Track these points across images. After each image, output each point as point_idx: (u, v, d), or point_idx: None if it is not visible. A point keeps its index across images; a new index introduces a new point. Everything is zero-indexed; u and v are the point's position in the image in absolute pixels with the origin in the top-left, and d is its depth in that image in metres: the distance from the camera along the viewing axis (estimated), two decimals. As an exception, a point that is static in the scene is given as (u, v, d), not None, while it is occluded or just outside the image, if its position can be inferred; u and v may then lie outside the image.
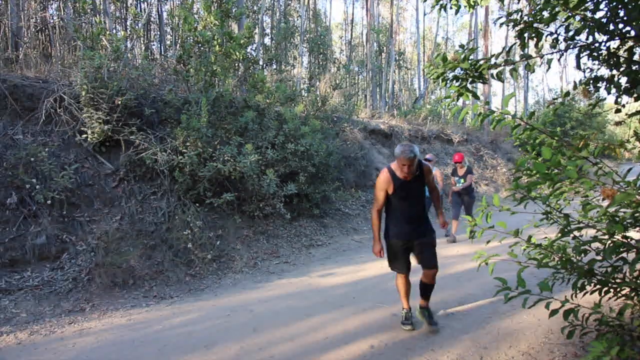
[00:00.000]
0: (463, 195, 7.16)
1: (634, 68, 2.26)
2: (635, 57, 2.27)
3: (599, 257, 2.19)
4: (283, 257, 6.15)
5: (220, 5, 7.14)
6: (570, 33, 2.32)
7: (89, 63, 5.42)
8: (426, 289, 3.38)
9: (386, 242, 3.34)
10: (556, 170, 1.76)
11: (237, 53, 6.85)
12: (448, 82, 2.42)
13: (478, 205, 2.39)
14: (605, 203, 1.69)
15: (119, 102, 5.53)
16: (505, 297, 2.10)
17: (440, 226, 3.49)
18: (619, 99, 2.43)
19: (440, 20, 24.39)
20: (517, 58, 2.44)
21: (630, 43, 2.25)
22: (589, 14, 2.23)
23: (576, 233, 2.20)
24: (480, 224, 2.26)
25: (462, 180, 6.98)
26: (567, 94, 2.64)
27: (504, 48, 2.66)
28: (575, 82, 2.65)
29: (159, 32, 12.48)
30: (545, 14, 2.25)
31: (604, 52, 2.32)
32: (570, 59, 65.20)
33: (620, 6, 2.14)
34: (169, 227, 5.57)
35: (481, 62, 2.34)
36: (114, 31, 9.77)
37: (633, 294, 2.13)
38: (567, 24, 2.33)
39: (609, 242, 2.08)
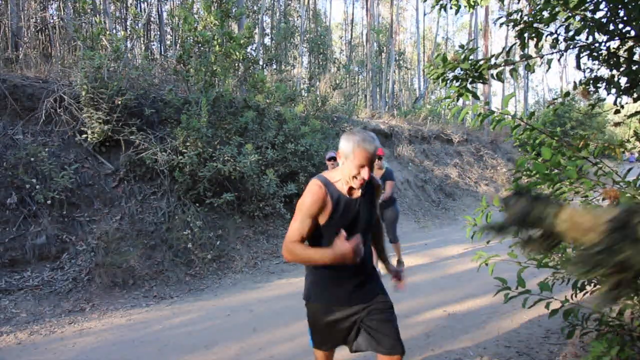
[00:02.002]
0: (382, 208, 5.26)
1: (633, 68, 2.26)
2: (635, 57, 2.27)
3: (599, 257, 2.18)
4: (283, 257, 6.15)
5: (220, 5, 7.14)
6: (570, 33, 2.32)
7: (89, 63, 5.42)
8: None
9: (307, 307, 2.00)
10: (556, 171, 1.76)
11: (237, 53, 6.85)
12: (448, 82, 2.41)
13: (478, 207, 2.38)
14: (606, 203, 1.68)
15: (119, 102, 5.53)
16: (505, 297, 2.10)
17: (393, 278, 2.08)
18: (619, 99, 2.43)
19: (440, 20, 24.41)
20: (517, 58, 2.44)
21: (630, 43, 2.25)
22: (589, 14, 2.22)
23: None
24: (480, 224, 2.26)
25: None
26: (567, 94, 2.64)
27: (504, 48, 2.66)
28: (575, 82, 2.65)
29: (159, 32, 12.48)
30: (545, 14, 2.25)
31: (604, 52, 2.32)
32: (570, 59, 65.21)
33: (620, 6, 2.14)
34: (169, 227, 5.57)
35: (481, 62, 2.34)
36: (114, 31, 9.77)
37: (633, 294, 2.13)
38: (567, 24, 2.33)
39: (609, 242, 2.07)
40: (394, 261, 5.34)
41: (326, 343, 1.96)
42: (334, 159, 5.26)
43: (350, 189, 1.79)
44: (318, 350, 2.00)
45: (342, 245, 1.63)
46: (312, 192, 1.76)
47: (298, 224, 1.78)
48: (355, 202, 1.81)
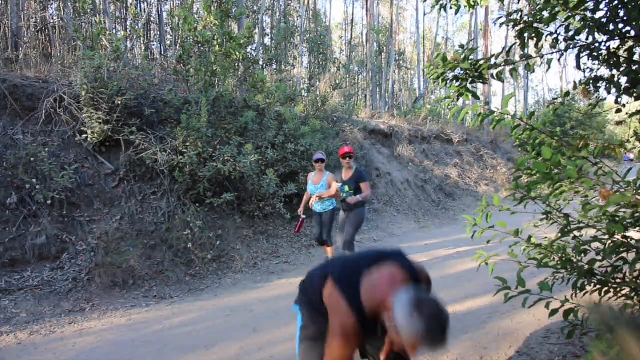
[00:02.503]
0: (347, 210, 5.01)
1: (634, 68, 2.26)
2: (635, 57, 2.27)
3: (599, 257, 2.19)
4: (283, 257, 6.15)
5: (220, 5, 7.14)
6: (570, 33, 2.32)
7: (89, 63, 5.42)
8: None
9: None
10: (556, 170, 1.76)
11: (237, 53, 6.85)
12: (448, 82, 2.41)
13: (478, 207, 2.37)
14: (602, 201, 1.69)
15: (119, 102, 5.53)
16: (505, 296, 2.10)
17: None
18: (619, 99, 2.43)
19: (440, 20, 24.40)
20: (517, 58, 2.44)
21: (630, 43, 2.24)
22: (589, 14, 2.22)
23: (576, 233, 2.20)
24: (480, 224, 2.26)
25: (346, 188, 4.88)
26: (567, 94, 2.64)
27: (504, 48, 2.66)
28: (575, 82, 2.65)
29: (159, 32, 12.48)
30: (545, 14, 2.25)
31: (604, 52, 2.32)
32: (570, 59, 65.21)
33: (620, 6, 2.14)
34: (169, 227, 5.57)
35: (481, 62, 2.34)
36: (114, 31, 9.78)
37: (633, 294, 2.13)
38: (567, 24, 2.33)
39: (609, 242, 2.08)
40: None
41: None
42: (321, 160, 5.25)
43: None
44: None
45: None
46: (348, 327, 1.50)
47: (344, 354, 1.52)
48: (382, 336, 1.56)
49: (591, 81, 2.51)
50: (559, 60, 2.48)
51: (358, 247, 6.91)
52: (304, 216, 5.41)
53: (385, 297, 1.41)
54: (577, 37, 2.29)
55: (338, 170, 5.15)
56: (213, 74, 6.66)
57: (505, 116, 2.11)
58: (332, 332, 1.55)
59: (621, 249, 2.02)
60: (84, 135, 5.44)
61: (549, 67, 2.53)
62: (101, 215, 5.26)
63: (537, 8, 2.29)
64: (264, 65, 11.26)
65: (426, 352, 1.35)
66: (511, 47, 2.51)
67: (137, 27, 8.91)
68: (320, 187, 5.12)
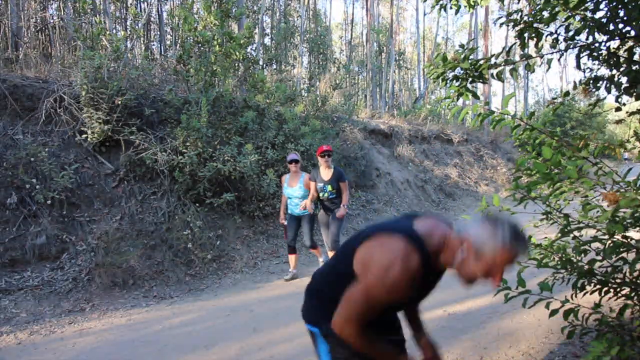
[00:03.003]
0: (331, 210, 4.95)
1: (634, 68, 2.26)
2: (635, 57, 2.27)
3: (599, 257, 2.19)
4: (283, 257, 6.15)
5: (220, 5, 7.14)
6: (570, 33, 2.32)
7: (89, 63, 5.42)
8: None
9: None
10: (556, 170, 1.76)
11: (237, 53, 6.85)
12: (448, 82, 2.41)
13: (478, 207, 2.37)
14: (606, 204, 1.68)
15: (119, 102, 5.53)
16: (505, 296, 2.10)
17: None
18: (619, 99, 2.43)
19: (440, 20, 24.39)
20: (517, 58, 2.44)
21: (630, 43, 2.24)
22: (589, 14, 2.22)
23: (576, 233, 2.20)
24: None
25: (328, 187, 4.83)
26: (567, 94, 2.63)
27: (504, 48, 2.65)
28: (575, 82, 2.65)
29: (159, 32, 12.48)
30: (545, 14, 2.25)
31: (604, 52, 2.32)
32: (570, 59, 65.25)
33: (620, 6, 2.14)
34: (169, 227, 5.57)
35: (481, 62, 2.34)
36: (114, 31, 9.78)
37: (633, 294, 2.13)
38: (567, 24, 2.33)
39: (609, 242, 2.08)
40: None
41: None
42: (296, 161, 5.11)
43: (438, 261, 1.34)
44: None
45: None
46: (409, 270, 1.25)
47: (370, 306, 1.31)
48: (435, 279, 1.43)
49: (591, 81, 2.52)
50: (559, 60, 2.48)
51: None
52: (285, 222, 5.32)
53: (447, 235, 1.30)
54: (577, 37, 2.29)
55: (314, 169, 5.10)
56: (213, 74, 6.66)
57: (505, 116, 2.10)
58: (372, 281, 1.28)
59: (621, 249, 2.02)
60: (84, 135, 5.44)
61: (549, 67, 2.53)
62: (101, 215, 5.26)
63: (537, 8, 2.29)
64: (264, 65, 11.26)
65: (512, 260, 1.22)
66: (511, 47, 2.51)
67: (137, 27, 8.92)
68: (299, 190, 5.08)
